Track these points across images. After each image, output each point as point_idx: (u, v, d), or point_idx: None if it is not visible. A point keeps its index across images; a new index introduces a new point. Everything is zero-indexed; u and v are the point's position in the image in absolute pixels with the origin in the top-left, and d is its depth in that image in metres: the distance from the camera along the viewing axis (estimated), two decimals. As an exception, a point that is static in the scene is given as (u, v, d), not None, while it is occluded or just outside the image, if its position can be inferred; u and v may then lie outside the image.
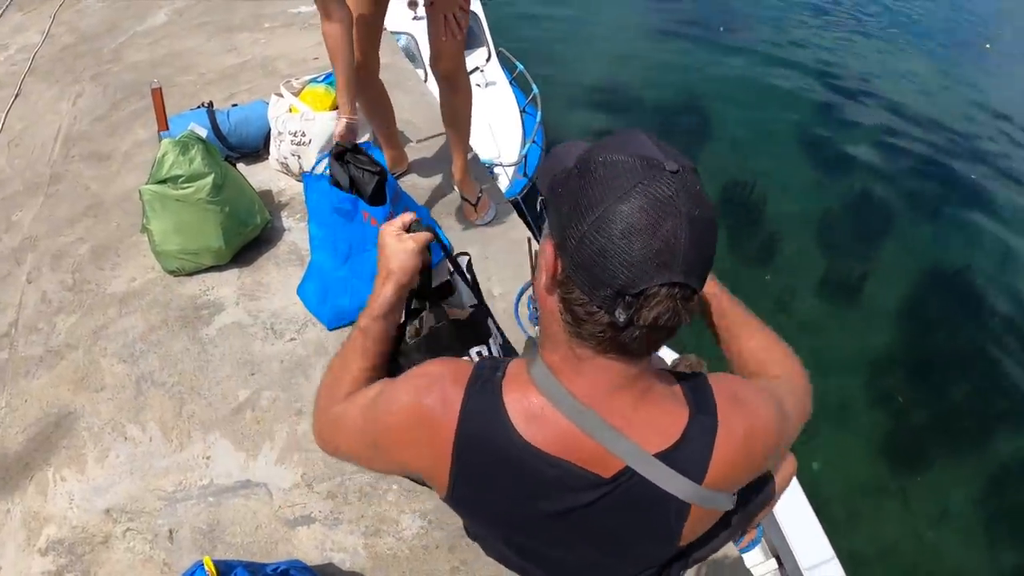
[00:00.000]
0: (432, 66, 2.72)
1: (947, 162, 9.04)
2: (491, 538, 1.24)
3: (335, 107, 3.12)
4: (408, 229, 1.30)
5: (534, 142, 6.10)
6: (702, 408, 1.02)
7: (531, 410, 0.99)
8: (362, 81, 2.74)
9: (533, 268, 1.39)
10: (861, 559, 5.19)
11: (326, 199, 2.54)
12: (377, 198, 2.53)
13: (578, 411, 0.97)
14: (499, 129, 6.03)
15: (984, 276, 7.58)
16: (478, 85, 6.35)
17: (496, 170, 5.54)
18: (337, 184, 2.52)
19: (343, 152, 2.53)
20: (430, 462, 1.06)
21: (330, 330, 2.75)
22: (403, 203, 2.69)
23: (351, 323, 2.77)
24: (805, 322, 6.54)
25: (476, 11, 6.72)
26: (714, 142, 8.43)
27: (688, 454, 1.00)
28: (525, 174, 5.85)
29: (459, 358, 1.15)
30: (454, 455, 1.02)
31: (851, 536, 5.26)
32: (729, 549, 2.48)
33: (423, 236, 1.29)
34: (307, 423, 2.48)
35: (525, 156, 5.83)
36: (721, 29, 10.51)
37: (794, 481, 4.17)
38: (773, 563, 4.25)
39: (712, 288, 1.31)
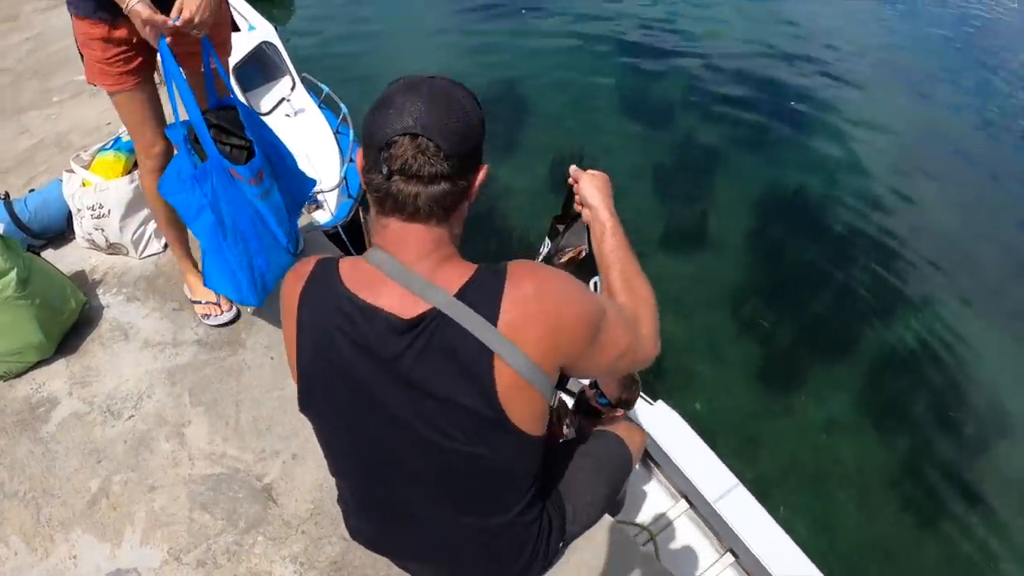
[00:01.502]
0: None
1: (763, 91, 9.42)
2: (336, 423, 1.35)
3: (129, 170, 3.03)
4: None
5: (351, 160, 6.03)
6: (491, 267, 1.22)
7: (355, 268, 1.25)
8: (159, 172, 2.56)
9: None
10: (766, 481, 5.37)
11: (184, 179, 2.37)
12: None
13: (387, 260, 1.21)
14: (316, 156, 5.98)
15: (818, 190, 7.94)
16: (287, 115, 6.26)
17: (320, 198, 5.47)
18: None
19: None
20: (287, 318, 1.31)
21: (259, 306, 2.66)
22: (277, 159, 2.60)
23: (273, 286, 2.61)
24: (659, 274, 6.59)
25: (274, 42, 6.60)
26: (534, 121, 8.50)
27: (478, 293, 1.18)
28: (349, 195, 5.81)
29: None
30: (299, 306, 1.27)
31: (751, 463, 5.45)
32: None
33: None
34: (163, 497, 2.42)
35: (345, 177, 5.77)
36: (523, 11, 10.58)
37: (683, 423, 4.32)
38: (684, 504, 4.38)
39: (602, 216, 1.56)
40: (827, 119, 9.16)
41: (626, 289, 1.46)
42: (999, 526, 5.55)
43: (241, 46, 6.36)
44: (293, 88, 6.53)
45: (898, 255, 7.46)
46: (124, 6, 2.13)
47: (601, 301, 1.30)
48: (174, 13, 2.18)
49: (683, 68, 9.63)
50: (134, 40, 2.27)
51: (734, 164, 8.18)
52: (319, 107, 6.50)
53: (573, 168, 1.65)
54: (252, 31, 6.53)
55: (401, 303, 1.18)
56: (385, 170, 1.13)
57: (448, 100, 1.18)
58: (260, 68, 6.63)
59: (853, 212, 7.80)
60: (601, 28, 10.31)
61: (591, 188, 1.58)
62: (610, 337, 1.28)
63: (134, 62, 2.35)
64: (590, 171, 1.63)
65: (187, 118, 2.31)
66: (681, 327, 6.30)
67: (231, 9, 6.77)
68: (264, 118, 6.07)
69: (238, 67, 6.20)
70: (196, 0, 2.21)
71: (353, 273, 1.23)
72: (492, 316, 1.15)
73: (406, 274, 1.19)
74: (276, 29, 6.82)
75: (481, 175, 1.24)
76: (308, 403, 1.33)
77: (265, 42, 6.55)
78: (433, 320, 1.16)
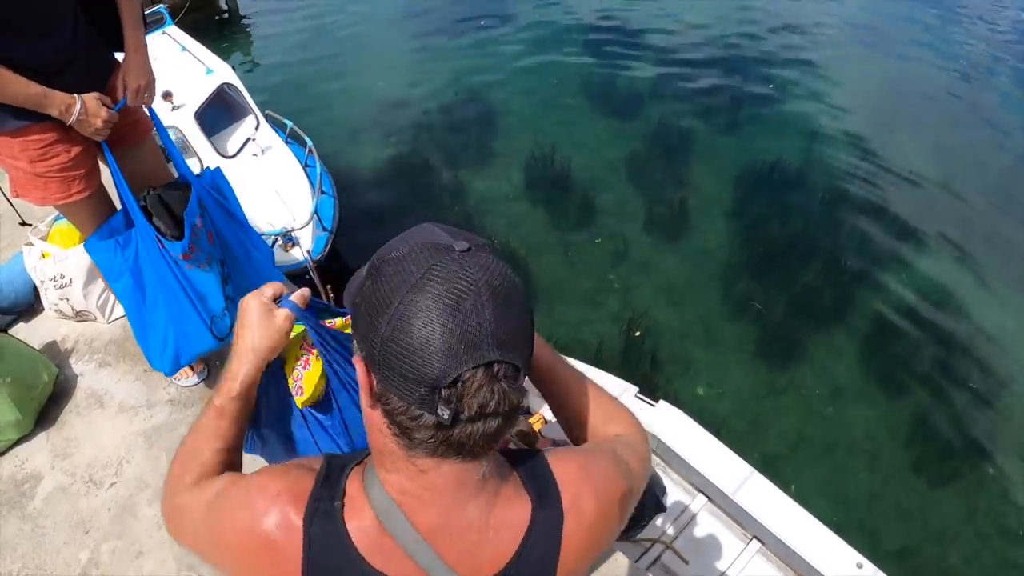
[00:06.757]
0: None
1: (728, 73, 9.44)
2: None
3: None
4: (277, 300, 1.17)
5: (323, 192, 6.09)
6: (544, 499, 0.96)
7: (377, 543, 0.91)
8: None
9: None
10: (776, 459, 5.35)
11: (109, 240, 2.29)
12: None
13: (417, 545, 0.90)
14: (287, 192, 5.99)
15: (795, 160, 7.91)
16: (254, 155, 6.25)
17: (294, 235, 5.42)
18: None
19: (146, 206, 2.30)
20: None
21: (169, 375, 2.63)
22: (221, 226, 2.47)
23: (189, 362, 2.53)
24: (646, 264, 6.67)
25: (234, 82, 6.60)
26: (507, 128, 8.51)
27: (530, 564, 0.95)
28: (324, 228, 5.80)
29: (299, 467, 1.00)
30: None
31: (759, 444, 5.42)
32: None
33: (289, 316, 1.16)
34: (150, 563, 2.41)
35: (317, 211, 5.77)
36: (482, 23, 10.59)
37: (688, 419, 4.28)
38: (702, 499, 4.34)
39: (537, 349, 1.08)
40: (795, 91, 9.14)
41: (613, 417, 1.21)
42: (1015, 477, 5.50)
43: (201, 89, 6.37)
44: (258, 127, 6.53)
45: (883, 213, 7.43)
46: (68, 118, 1.99)
47: (626, 464, 1.09)
48: (120, 95, 2.11)
49: (647, 59, 9.65)
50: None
51: (708, 146, 8.15)
52: (286, 142, 6.51)
53: None
54: (211, 74, 6.52)
55: None
56: (448, 414, 0.79)
57: (514, 289, 0.83)
58: (223, 110, 6.63)
59: (832, 176, 7.77)
60: (561, 30, 10.34)
61: None
62: (640, 482, 1.12)
63: (89, 161, 2.20)
64: None
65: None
66: (674, 315, 6.29)
67: (190, 54, 6.85)
68: (232, 159, 6.10)
69: (200, 111, 6.20)
70: (137, 67, 2.13)
71: (371, 545, 0.91)
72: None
73: (431, 562, 0.91)
74: (234, 69, 6.82)
75: None
76: None
77: (225, 83, 6.56)
78: None
